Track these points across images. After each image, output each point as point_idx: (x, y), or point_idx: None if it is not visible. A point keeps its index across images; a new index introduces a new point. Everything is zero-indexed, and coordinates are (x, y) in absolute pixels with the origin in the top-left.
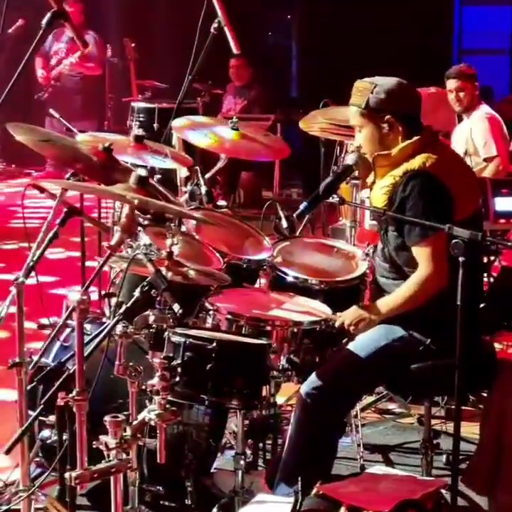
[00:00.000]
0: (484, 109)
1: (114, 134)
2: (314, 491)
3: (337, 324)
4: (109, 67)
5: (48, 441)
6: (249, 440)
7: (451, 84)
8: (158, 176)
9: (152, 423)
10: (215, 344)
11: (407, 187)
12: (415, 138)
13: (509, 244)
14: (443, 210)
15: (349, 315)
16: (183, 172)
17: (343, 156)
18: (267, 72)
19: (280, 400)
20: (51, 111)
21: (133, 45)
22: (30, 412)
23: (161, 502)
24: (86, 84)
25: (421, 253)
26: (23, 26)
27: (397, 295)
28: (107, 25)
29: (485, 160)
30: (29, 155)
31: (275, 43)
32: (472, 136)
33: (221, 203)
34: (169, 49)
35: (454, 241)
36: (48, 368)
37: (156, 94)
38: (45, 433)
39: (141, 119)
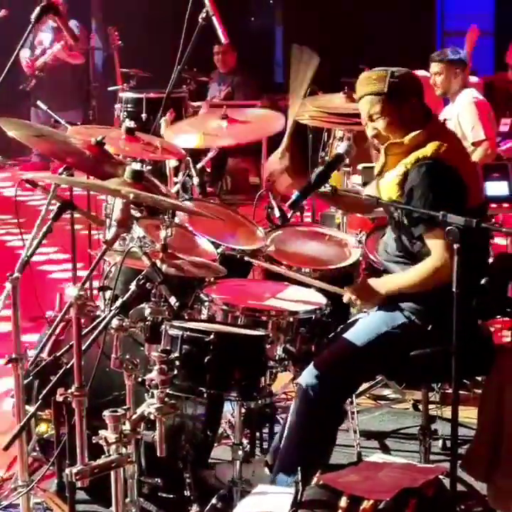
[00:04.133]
0: (471, 93)
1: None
2: (314, 480)
3: (345, 299)
4: (93, 56)
5: (45, 436)
6: (246, 430)
7: (432, 67)
8: (148, 167)
9: (151, 417)
10: (213, 336)
11: (419, 175)
12: (424, 128)
13: (504, 230)
14: (455, 199)
15: (359, 289)
16: (172, 162)
17: (331, 142)
18: (251, 58)
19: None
20: (39, 103)
21: (116, 33)
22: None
23: (160, 494)
24: (70, 74)
25: (434, 243)
26: (5, 17)
27: (408, 276)
28: (90, 14)
29: (473, 144)
30: (13, 146)
31: (258, 28)
32: (459, 120)
33: (208, 190)
34: (151, 38)
35: (447, 228)
36: (44, 362)
37: (140, 83)
38: (42, 428)
39: (128, 109)
